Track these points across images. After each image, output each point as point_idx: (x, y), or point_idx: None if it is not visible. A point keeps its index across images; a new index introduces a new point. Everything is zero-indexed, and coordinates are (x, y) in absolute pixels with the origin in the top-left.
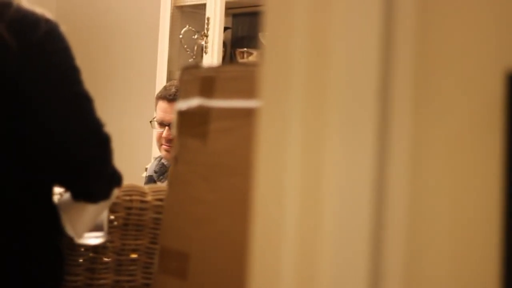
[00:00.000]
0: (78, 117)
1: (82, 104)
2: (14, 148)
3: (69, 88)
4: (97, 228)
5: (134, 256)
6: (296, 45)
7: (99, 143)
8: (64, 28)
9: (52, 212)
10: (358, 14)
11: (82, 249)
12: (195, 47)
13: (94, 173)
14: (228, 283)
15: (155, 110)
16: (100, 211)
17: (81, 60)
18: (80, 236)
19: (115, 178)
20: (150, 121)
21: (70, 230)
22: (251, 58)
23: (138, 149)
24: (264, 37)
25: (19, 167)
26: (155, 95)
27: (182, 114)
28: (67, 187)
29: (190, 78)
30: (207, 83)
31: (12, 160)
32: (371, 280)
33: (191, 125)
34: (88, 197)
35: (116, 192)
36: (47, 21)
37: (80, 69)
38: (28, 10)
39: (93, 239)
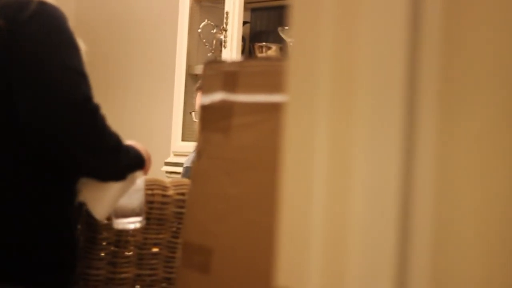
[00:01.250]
0: (61, 90)
1: (67, 77)
2: (8, 127)
3: (53, 62)
4: (134, 213)
5: (155, 250)
6: (323, 39)
7: (80, 114)
8: (83, 22)
9: (60, 194)
10: (386, 6)
11: (104, 243)
12: (214, 42)
13: (82, 144)
14: (252, 277)
15: (195, 102)
16: (121, 192)
17: (100, 54)
18: (102, 216)
19: (124, 156)
20: (190, 112)
21: (91, 210)
22: (270, 52)
23: (157, 143)
24: (291, 31)
25: (13, 144)
26: (196, 87)
27: (205, 109)
28: (67, 164)
29: (213, 72)
30: (230, 77)
31: (6, 137)
32: (398, 275)
33: (214, 120)
34: (94, 173)
35: (138, 174)
36: (40, 3)
37: (77, 47)
38: None
39: (130, 223)
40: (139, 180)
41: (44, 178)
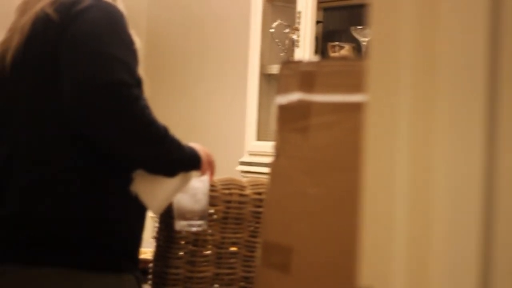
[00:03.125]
0: (96, 72)
1: (106, 62)
2: (52, 105)
3: (95, 48)
4: (196, 216)
5: (233, 249)
6: (403, 37)
7: (114, 97)
8: (156, 22)
9: (110, 182)
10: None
11: (183, 242)
12: (287, 41)
13: (114, 128)
14: (333, 277)
15: None
16: (174, 188)
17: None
18: (155, 210)
19: (173, 150)
20: None
21: (143, 201)
22: (342, 52)
23: (231, 143)
24: (370, 30)
25: (56, 124)
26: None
27: (282, 109)
28: (104, 149)
29: (289, 72)
30: (308, 77)
31: (50, 117)
32: (482, 272)
33: (291, 120)
34: (132, 161)
35: (195, 174)
36: (93, 0)
37: (126, 40)
38: None
39: (191, 226)
40: (204, 183)
41: (91, 165)
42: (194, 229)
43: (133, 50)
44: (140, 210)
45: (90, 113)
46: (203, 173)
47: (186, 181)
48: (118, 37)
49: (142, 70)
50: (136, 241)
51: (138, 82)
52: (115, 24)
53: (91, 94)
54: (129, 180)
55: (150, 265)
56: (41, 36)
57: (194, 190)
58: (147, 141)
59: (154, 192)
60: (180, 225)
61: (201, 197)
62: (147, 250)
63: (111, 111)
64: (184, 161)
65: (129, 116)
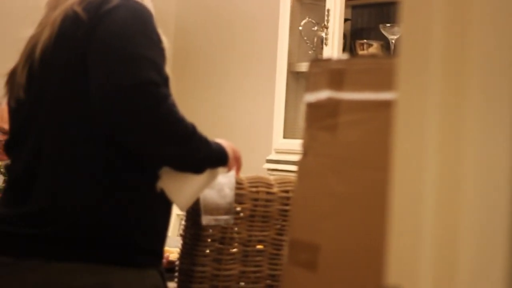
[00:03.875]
0: (124, 71)
1: (135, 61)
2: (78, 105)
3: (123, 46)
4: (223, 211)
5: (260, 247)
6: (434, 34)
7: (141, 95)
8: (184, 20)
9: (135, 178)
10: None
11: (209, 240)
12: (315, 39)
13: (142, 126)
14: (361, 275)
15: None
16: (201, 185)
17: (201, 52)
18: (182, 206)
19: (201, 148)
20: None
21: (170, 198)
22: (371, 50)
23: (259, 140)
24: (400, 28)
25: (83, 123)
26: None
27: (311, 107)
28: (131, 146)
29: (318, 70)
30: (336, 75)
31: (77, 116)
32: (509, 276)
33: (320, 118)
34: (160, 159)
35: (222, 170)
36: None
37: (154, 39)
38: None
39: (217, 221)
40: (230, 178)
41: (116, 162)
42: (220, 224)
43: (161, 48)
44: (165, 207)
45: (118, 113)
46: (229, 169)
47: (213, 177)
48: (146, 36)
49: (169, 68)
50: (161, 237)
51: (165, 81)
52: (143, 23)
53: (120, 94)
54: (155, 177)
55: (177, 262)
56: (69, 33)
57: (220, 185)
58: (175, 139)
59: (181, 188)
60: (207, 219)
61: (227, 192)
62: (173, 250)
63: (139, 111)
64: (211, 158)
65: (157, 115)
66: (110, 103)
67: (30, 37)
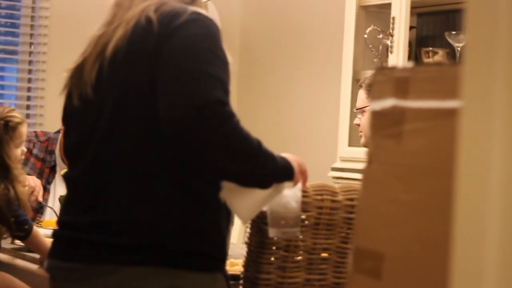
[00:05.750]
0: (193, 90)
1: (203, 79)
2: (146, 118)
3: (191, 64)
4: (289, 223)
5: (325, 255)
6: (499, 43)
7: (210, 115)
8: (249, 28)
9: (200, 191)
10: None
11: (274, 248)
12: (380, 47)
13: (210, 145)
14: (425, 284)
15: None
16: (265, 198)
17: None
18: (244, 218)
19: (267, 163)
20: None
21: (232, 210)
22: (436, 58)
23: (324, 148)
24: (466, 36)
25: (150, 137)
26: (358, 84)
27: (376, 115)
28: (199, 165)
29: (384, 78)
30: (402, 83)
31: (145, 130)
32: None
33: (385, 126)
34: (228, 177)
35: (287, 184)
36: (193, 13)
37: (221, 56)
38: (181, 6)
39: (284, 233)
40: (296, 191)
41: (184, 174)
42: (287, 236)
43: (226, 65)
44: (228, 215)
45: (186, 131)
46: (295, 183)
47: (277, 191)
48: (214, 54)
49: (234, 78)
50: (225, 242)
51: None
52: (212, 41)
53: (188, 112)
54: (219, 187)
55: (241, 270)
56: (140, 42)
57: (287, 198)
58: (242, 157)
59: (244, 201)
60: (274, 232)
61: (294, 205)
62: (238, 262)
63: (207, 129)
64: (277, 173)
65: (224, 134)
66: (178, 121)
67: (98, 34)
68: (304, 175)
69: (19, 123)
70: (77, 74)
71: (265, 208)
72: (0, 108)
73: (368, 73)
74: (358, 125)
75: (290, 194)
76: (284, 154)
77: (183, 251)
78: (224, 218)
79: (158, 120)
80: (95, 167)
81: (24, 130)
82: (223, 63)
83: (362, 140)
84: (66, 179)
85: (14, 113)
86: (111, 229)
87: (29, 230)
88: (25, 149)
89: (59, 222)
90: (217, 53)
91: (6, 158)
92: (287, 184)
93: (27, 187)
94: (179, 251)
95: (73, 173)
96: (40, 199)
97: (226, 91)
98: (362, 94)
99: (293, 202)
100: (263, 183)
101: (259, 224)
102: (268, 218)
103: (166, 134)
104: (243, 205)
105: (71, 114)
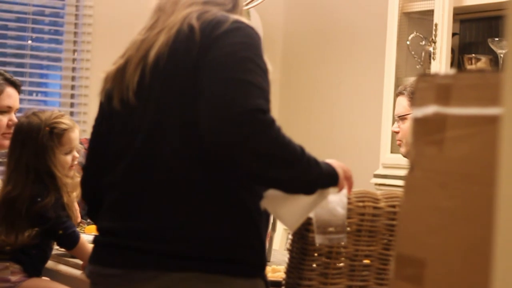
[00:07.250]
0: (233, 98)
1: (243, 88)
2: (187, 127)
3: (232, 72)
4: (335, 230)
5: (367, 262)
6: None
7: (250, 123)
8: (292, 35)
9: (240, 200)
10: None
11: (316, 254)
12: (423, 54)
13: (251, 153)
14: None
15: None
16: (310, 205)
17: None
18: (291, 226)
19: (310, 170)
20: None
21: (278, 218)
22: (479, 64)
23: (366, 156)
24: (506, 42)
25: (191, 145)
26: (396, 92)
27: (417, 122)
28: (241, 172)
29: (425, 85)
30: (444, 90)
31: (186, 138)
32: None
33: (427, 133)
34: (271, 184)
35: (332, 190)
36: (235, 22)
37: (261, 65)
38: (222, 14)
39: (330, 240)
40: (342, 197)
41: (225, 183)
42: (333, 242)
43: (267, 75)
44: (266, 222)
45: (227, 139)
46: (340, 189)
47: (323, 197)
48: (255, 63)
49: (276, 85)
50: (265, 248)
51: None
52: (253, 50)
53: (229, 120)
54: (260, 196)
55: (283, 276)
56: (182, 50)
57: (332, 204)
58: (285, 163)
59: (290, 209)
60: (320, 238)
61: (339, 211)
62: (280, 268)
63: (248, 137)
64: (321, 179)
65: (266, 141)
66: (219, 130)
67: (141, 39)
68: (349, 181)
69: (65, 130)
70: (119, 77)
71: (311, 215)
72: (48, 113)
73: (410, 80)
74: (397, 132)
75: (335, 200)
76: (329, 160)
77: (225, 257)
78: (264, 225)
79: (198, 128)
80: (135, 173)
81: (73, 135)
82: (264, 72)
83: (402, 149)
84: (105, 184)
85: (61, 119)
86: (152, 235)
87: (76, 242)
88: (77, 155)
89: (98, 228)
90: (257, 62)
91: (52, 167)
92: (332, 189)
93: (75, 193)
94: (221, 257)
95: (112, 178)
96: None
97: (266, 99)
98: (401, 100)
99: (339, 208)
100: (308, 189)
101: (301, 230)
102: (314, 225)
103: (207, 142)
104: (290, 213)
105: (109, 116)
